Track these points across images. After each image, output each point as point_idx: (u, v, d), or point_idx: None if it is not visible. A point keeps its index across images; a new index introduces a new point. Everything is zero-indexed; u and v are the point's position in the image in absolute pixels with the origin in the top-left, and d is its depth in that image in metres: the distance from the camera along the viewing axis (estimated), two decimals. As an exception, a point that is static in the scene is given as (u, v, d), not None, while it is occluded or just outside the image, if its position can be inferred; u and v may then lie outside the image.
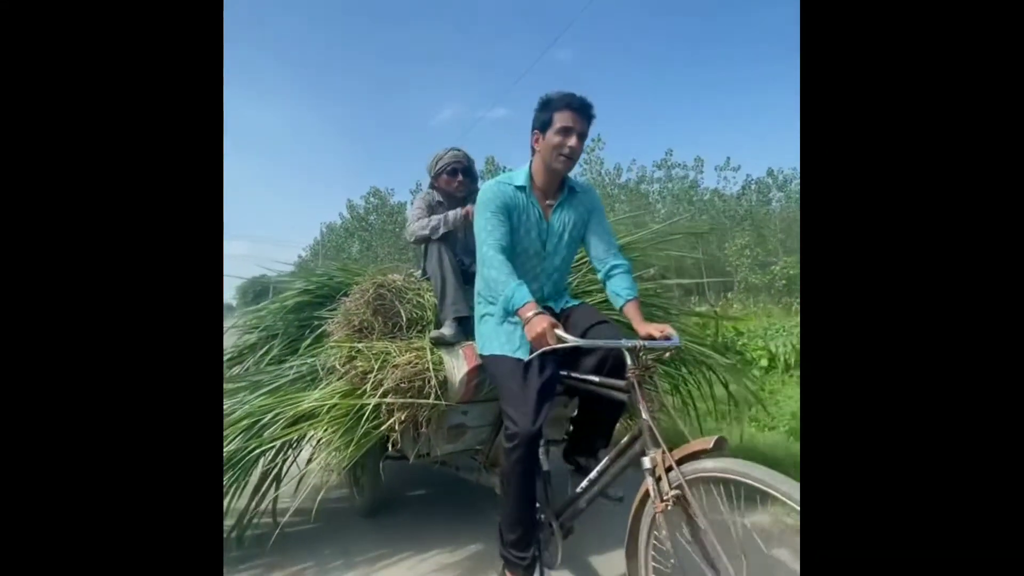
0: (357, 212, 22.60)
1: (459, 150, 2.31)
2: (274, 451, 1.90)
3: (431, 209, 2.23)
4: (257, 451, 1.76)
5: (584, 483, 1.54)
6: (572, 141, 1.58)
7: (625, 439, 1.41)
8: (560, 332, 1.41)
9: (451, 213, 2.12)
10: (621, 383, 1.42)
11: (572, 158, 1.61)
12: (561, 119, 1.58)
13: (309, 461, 1.94)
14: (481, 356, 1.73)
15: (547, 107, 1.60)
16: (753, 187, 18.64)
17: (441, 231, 2.07)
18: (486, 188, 1.66)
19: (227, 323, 2.57)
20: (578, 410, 1.81)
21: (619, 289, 1.69)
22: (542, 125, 1.62)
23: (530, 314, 1.43)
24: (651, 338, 1.49)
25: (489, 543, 1.99)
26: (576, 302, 1.83)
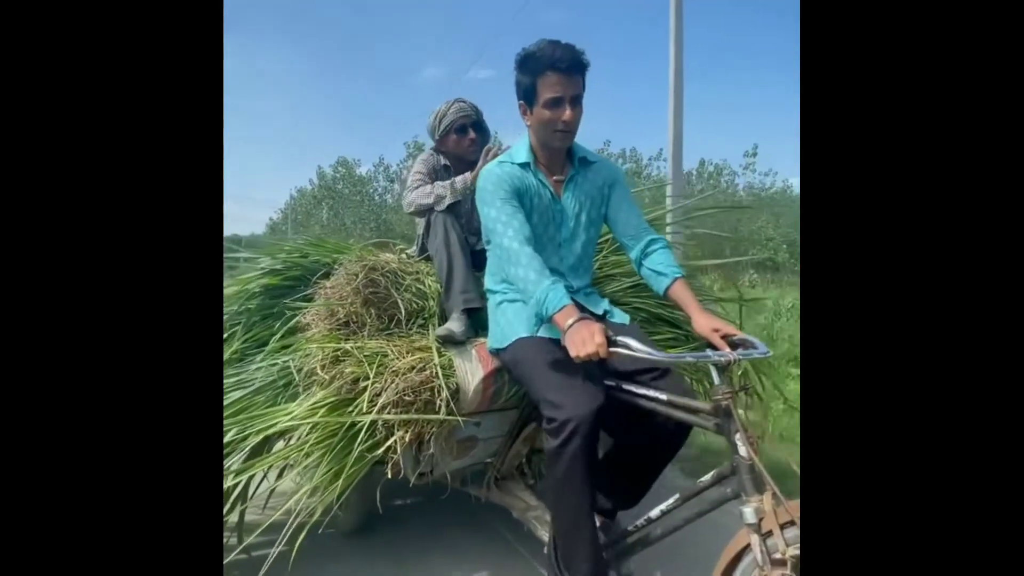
0: (326, 180, 21.59)
1: (464, 101, 1.86)
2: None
3: (434, 174, 1.80)
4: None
5: (640, 521, 1.21)
6: (566, 114, 1.25)
7: (707, 478, 1.08)
8: (627, 339, 1.06)
9: (458, 179, 1.70)
10: (705, 406, 1.07)
11: (570, 131, 1.30)
12: (547, 88, 1.24)
13: (280, 475, 1.53)
14: (498, 352, 1.38)
15: (527, 69, 1.26)
16: (695, 176, 19.15)
17: (448, 201, 1.65)
18: (487, 172, 1.35)
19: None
20: (616, 438, 1.43)
21: (663, 267, 1.33)
22: (526, 95, 1.29)
23: (571, 321, 1.09)
24: (724, 339, 1.15)
25: (498, 572, 1.66)
26: (623, 318, 1.45)
